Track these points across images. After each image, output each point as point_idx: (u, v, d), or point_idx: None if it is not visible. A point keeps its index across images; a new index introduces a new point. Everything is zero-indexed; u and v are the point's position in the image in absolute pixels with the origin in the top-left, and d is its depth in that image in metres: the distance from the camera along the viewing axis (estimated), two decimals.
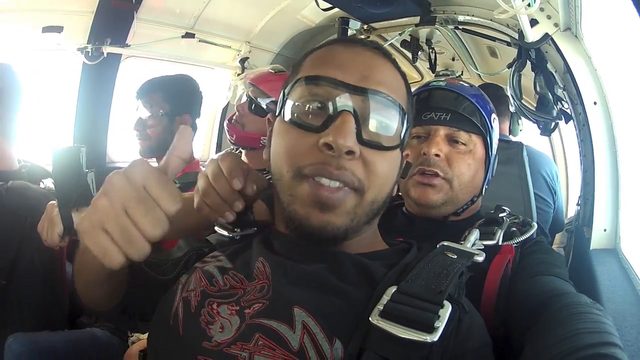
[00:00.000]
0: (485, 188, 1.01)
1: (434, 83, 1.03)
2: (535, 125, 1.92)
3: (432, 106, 0.98)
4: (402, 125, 0.66)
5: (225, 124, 1.70)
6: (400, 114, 0.65)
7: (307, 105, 0.63)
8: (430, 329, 0.51)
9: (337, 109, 0.61)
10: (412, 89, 0.79)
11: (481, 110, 0.97)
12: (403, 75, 0.72)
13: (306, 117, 0.63)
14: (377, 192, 0.65)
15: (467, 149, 0.96)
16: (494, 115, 1.00)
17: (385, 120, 0.64)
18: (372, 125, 0.63)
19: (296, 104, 0.64)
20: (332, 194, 0.60)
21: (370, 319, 0.54)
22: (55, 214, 0.97)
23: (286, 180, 0.63)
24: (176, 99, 1.60)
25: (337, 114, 0.61)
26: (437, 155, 0.93)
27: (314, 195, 0.60)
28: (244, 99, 1.64)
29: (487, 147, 0.98)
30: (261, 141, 1.62)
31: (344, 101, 0.61)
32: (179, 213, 0.54)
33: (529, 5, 1.23)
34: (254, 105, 1.55)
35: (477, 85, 1.12)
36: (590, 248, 1.38)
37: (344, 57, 0.66)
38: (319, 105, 0.63)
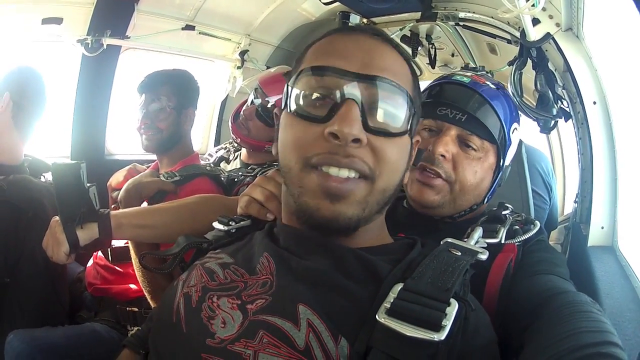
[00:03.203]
0: (489, 198, 0.96)
1: (458, 77, 0.95)
2: (535, 122, 1.93)
3: (450, 102, 0.91)
4: (410, 111, 0.65)
5: (229, 123, 1.69)
6: (407, 99, 0.64)
7: (312, 96, 0.63)
8: (438, 327, 0.51)
9: (341, 98, 0.60)
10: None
11: (501, 119, 0.90)
12: (408, 60, 0.70)
13: (311, 108, 0.63)
14: (388, 179, 0.64)
15: (477, 155, 0.90)
16: (515, 125, 0.93)
17: (391, 106, 0.63)
18: (378, 112, 0.62)
19: (301, 95, 0.64)
20: (341, 184, 0.60)
21: (377, 317, 0.53)
22: (59, 233, 0.94)
23: (295, 172, 0.63)
24: (182, 92, 1.59)
25: (341, 102, 0.60)
26: (442, 156, 0.88)
27: (323, 186, 0.60)
28: (251, 98, 1.63)
29: (499, 157, 0.93)
30: (264, 148, 1.62)
31: (348, 89, 0.60)
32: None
33: (533, 5, 1.23)
34: (260, 109, 1.55)
35: None
36: (588, 245, 1.39)
37: (346, 46, 0.65)
38: (323, 95, 0.62)
